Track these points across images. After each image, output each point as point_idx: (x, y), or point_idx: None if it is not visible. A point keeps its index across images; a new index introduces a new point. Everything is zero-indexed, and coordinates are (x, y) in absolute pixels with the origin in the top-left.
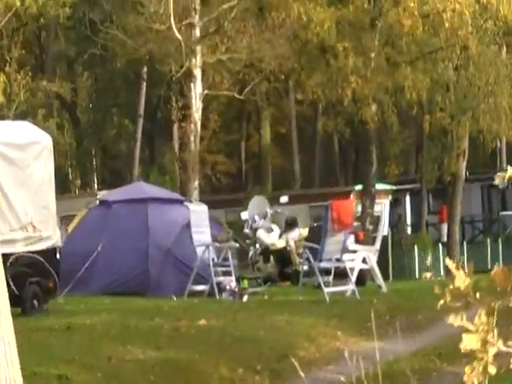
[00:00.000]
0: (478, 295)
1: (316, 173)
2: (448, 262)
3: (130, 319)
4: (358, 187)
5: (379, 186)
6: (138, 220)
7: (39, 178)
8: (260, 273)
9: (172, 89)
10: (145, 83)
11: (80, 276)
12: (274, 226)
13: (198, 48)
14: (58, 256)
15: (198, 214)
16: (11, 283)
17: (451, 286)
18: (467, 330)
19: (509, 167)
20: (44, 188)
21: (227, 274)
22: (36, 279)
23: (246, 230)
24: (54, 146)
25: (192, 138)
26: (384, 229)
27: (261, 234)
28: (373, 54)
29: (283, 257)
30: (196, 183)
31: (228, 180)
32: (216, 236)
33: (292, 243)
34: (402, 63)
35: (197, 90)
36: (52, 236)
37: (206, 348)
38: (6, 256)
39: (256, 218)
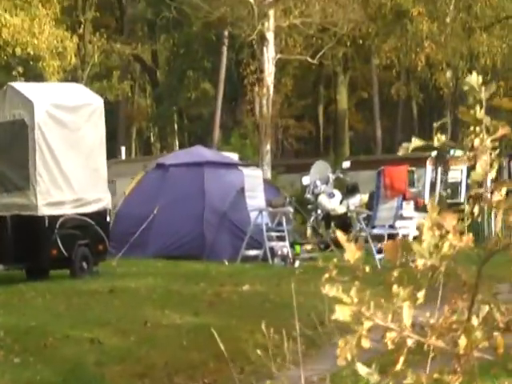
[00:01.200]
0: (367, 269)
1: (397, 138)
2: (338, 234)
3: (175, 284)
4: (434, 153)
5: (455, 153)
6: (194, 184)
7: (90, 141)
8: (321, 238)
9: (245, 52)
10: (225, 47)
11: (135, 239)
12: (336, 192)
13: (271, 12)
14: (108, 219)
15: (252, 178)
16: (60, 245)
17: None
18: (342, 302)
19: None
20: (95, 151)
21: (281, 239)
22: (85, 241)
23: (308, 196)
24: (134, 109)
25: (264, 102)
26: (461, 195)
27: (322, 199)
28: (448, 20)
29: (344, 222)
30: (268, 147)
31: (302, 145)
32: (271, 201)
33: (353, 209)
34: (478, 29)
35: (269, 54)
36: (102, 199)
37: (245, 314)
38: (55, 218)
39: (318, 183)
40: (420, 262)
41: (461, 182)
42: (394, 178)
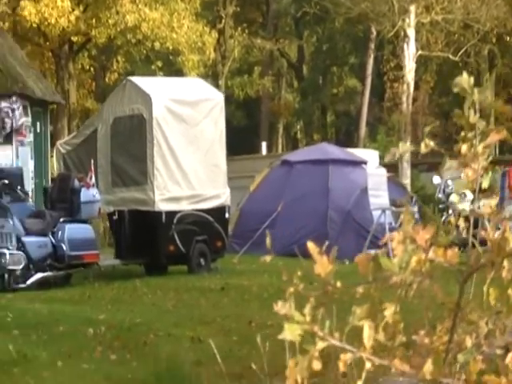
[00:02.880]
0: (338, 284)
1: None
2: (310, 245)
3: (289, 282)
4: None
5: None
6: (319, 181)
7: (209, 136)
8: (453, 238)
9: (385, 49)
10: (372, 43)
11: (258, 236)
12: (467, 192)
13: (412, 7)
14: (227, 215)
15: (376, 177)
16: (177, 241)
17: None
18: (292, 320)
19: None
20: (214, 146)
21: None
22: (203, 237)
23: (439, 195)
24: (281, 104)
25: (404, 99)
26: None
27: (453, 198)
28: None
29: (475, 223)
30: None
31: (444, 143)
32: (395, 200)
33: (484, 209)
34: None
35: (410, 51)
36: (220, 195)
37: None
38: (172, 214)
39: (449, 182)
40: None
41: None
42: None
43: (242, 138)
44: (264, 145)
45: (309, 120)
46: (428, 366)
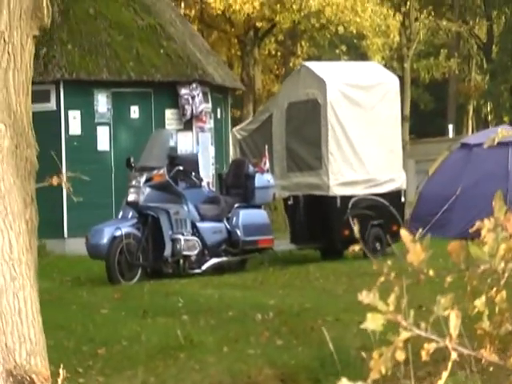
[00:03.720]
0: (431, 272)
1: None
2: (403, 233)
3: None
4: None
5: None
6: (498, 164)
7: (384, 120)
8: None
9: None
10: None
11: (437, 219)
12: None
13: None
14: (402, 199)
15: None
16: (352, 225)
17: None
18: (376, 310)
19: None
20: (389, 130)
21: None
22: (379, 222)
23: None
24: (471, 86)
25: None
26: None
27: None
28: None
29: None
30: None
31: None
32: None
33: None
34: None
35: None
36: (396, 179)
37: None
38: (347, 198)
39: None
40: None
41: None
42: None
43: (429, 121)
44: (451, 127)
45: (497, 102)
46: None
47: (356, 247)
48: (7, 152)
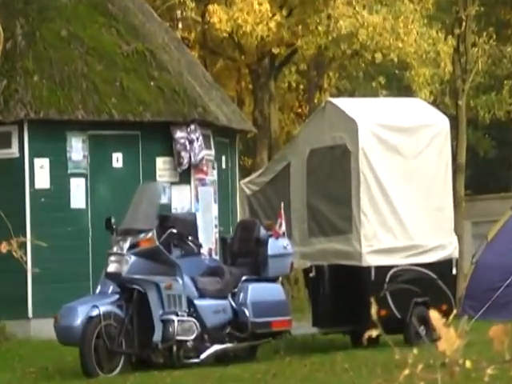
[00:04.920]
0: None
1: None
2: (432, 314)
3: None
4: None
5: None
6: None
7: (431, 171)
8: None
9: None
10: None
11: (498, 297)
12: None
13: None
14: (454, 270)
15: None
16: (391, 303)
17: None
18: None
19: None
20: (438, 183)
21: None
22: (424, 299)
23: None
24: None
25: None
26: None
27: None
28: None
29: None
30: None
31: None
32: None
33: None
34: None
35: None
36: (446, 245)
37: None
38: (384, 269)
39: None
40: None
41: None
42: None
43: (490, 172)
44: None
45: None
46: None
47: (374, 332)
48: None
